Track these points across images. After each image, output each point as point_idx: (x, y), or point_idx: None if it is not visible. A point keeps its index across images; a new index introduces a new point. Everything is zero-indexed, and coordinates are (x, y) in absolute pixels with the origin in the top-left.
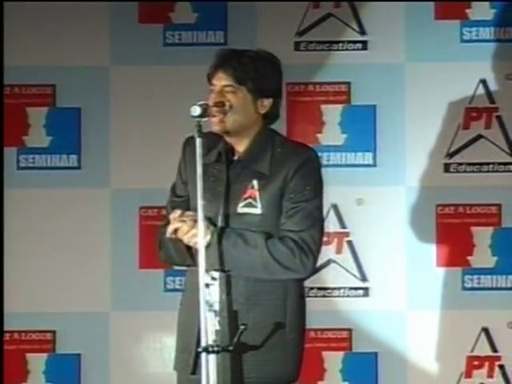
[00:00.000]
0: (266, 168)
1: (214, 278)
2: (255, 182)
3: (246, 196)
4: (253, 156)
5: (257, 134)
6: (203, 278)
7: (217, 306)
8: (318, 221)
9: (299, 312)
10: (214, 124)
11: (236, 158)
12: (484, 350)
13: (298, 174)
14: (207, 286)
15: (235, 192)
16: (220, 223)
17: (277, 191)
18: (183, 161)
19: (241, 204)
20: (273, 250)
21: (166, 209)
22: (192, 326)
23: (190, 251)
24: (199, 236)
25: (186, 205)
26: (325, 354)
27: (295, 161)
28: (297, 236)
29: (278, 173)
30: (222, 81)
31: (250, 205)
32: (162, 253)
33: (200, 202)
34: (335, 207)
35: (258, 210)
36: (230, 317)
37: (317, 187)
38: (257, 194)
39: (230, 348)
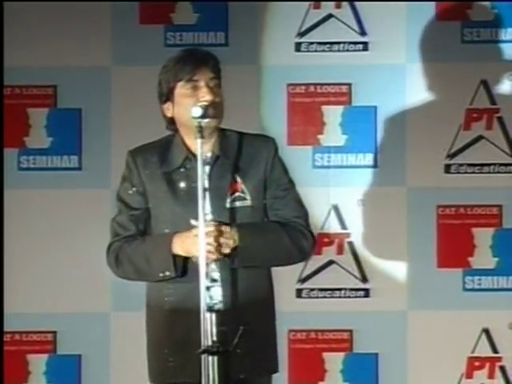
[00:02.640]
0: (242, 161)
1: (214, 280)
2: (237, 176)
3: (232, 191)
4: (227, 151)
5: (220, 130)
6: (204, 280)
7: (218, 307)
8: (304, 204)
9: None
10: (210, 123)
11: (204, 157)
12: (485, 350)
13: (276, 161)
14: (208, 288)
15: (218, 189)
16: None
17: (260, 181)
18: (137, 173)
19: (229, 199)
20: (293, 238)
21: (119, 224)
22: (182, 331)
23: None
24: (200, 238)
25: (147, 215)
26: (325, 354)
27: (268, 149)
28: (301, 220)
29: (256, 163)
30: (206, 74)
31: (239, 198)
32: (119, 270)
33: (200, 203)
34: (336, 208)
35: (248, 202)
36: (234, 315)
37: (288, 172)
38: (243, 186)
39: (230, 349)
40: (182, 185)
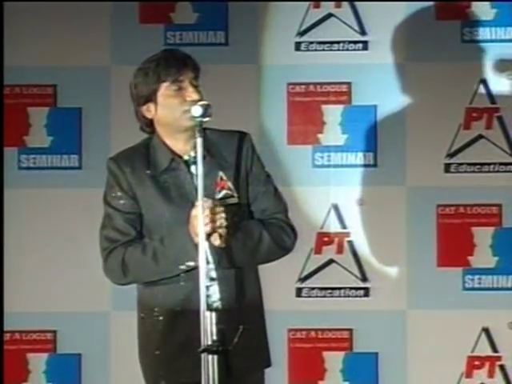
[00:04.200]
0: (224, 158)
1: (212, 279)
2: (222, 174)
3: (219, 188)
4: (209, 150)
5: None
6: (204, 278)
7: (217, 305)
8: (283, 197)
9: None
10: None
11: (187, 157)
12: (484, 350)
13: (255, 157)
14: (206, 288)
15: (207, 188)
16: None
17: (243, 177)
18: (124, 179)
19: (217, 197)
20: (274, 236)
21: (117, 230)
22: (181, 333)
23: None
24: (200, 236)
25: (141, 219)
26: (325, 354)
27: (247, 145)
28: (282, 216)
29: (237, 160)
30: (189, 74)
31: (227, 195)
32: (126, 275)
33: (200, 202)
34: (336, 207)
35: (235, 199)
36: (231, 314)
37: (264, 166)
38: (229, 183)
39: (230, 348)
40: (172, 186)
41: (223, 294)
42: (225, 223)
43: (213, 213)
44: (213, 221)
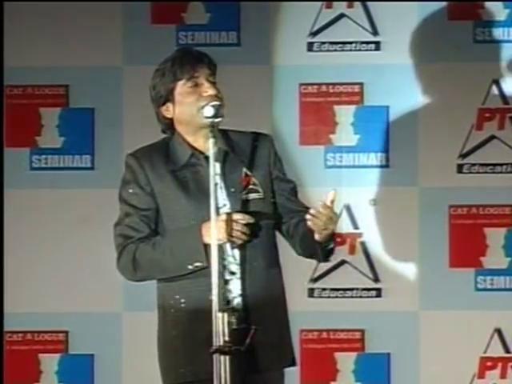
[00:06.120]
0: (247, 156)
1: (232, 273)
2: (245, 170)
3: (245, 184)
4: (232, 147)
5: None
6: (215, 275)
7: (237, 302)
8: None
9: None
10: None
11: (208, 154)
12: (497, 350)
13: (277, 158)
14: (226, 282)
15: (232, 183)
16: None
17: (267, 175)
18: (143, 174)
19: (244, 192)
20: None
21: (130, 227)
22: (201, 328)
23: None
24: (212, 233)
25: (156, 215)
26: (337, 354)
27: (269, 145)
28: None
29: (260, 158)
30: (205, 71)
31: (253, 191)
32: (137, 272)
33: (213, 203)
34: (348, 208)
35: (261, 195)
36: (253, 311)
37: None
38: (254, 179)
39: (242, 349)
40: (192, 182)
41: (246, 290)
42: (242, 236)
43: (229, 226)
44: (229, 235)
